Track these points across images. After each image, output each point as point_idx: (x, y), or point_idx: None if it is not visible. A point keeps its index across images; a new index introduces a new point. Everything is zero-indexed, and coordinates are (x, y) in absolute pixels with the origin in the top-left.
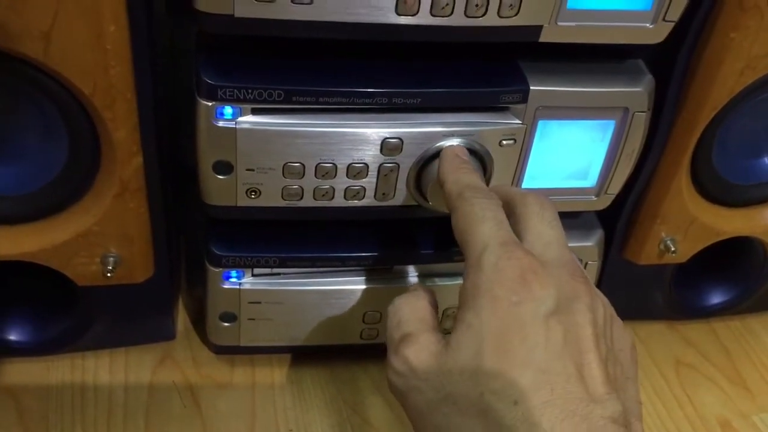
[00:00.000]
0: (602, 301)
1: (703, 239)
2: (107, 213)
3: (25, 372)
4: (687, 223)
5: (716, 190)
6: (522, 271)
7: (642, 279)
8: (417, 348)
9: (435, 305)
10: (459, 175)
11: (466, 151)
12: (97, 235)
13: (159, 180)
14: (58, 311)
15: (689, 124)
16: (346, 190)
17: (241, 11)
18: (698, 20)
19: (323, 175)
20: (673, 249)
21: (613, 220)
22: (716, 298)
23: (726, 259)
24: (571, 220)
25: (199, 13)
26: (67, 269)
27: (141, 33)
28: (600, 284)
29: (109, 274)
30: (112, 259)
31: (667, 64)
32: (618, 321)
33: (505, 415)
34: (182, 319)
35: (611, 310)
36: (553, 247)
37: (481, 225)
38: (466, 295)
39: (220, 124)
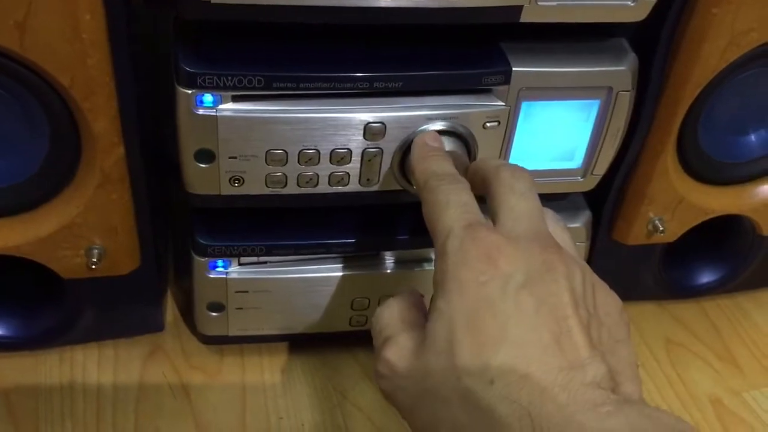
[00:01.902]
0: (581, 267)
1: (691, 218)
2: (89, 204)
3: (14, 367)
4: (675, 203)
5: (703, 169)
6: (487, 250)
7: (631, 259)
8: (396, 348)
9: (418, 304)
10: (426, 164)
11: (436, 136)
12: (80, 227)
13: (142, 170)
14: (44, 305)
15: (674, 103)
16: (330, 176)
17: None
18: None
19: (306, 162)
20: (661, 229)
21: (600, 200)
22: (706, 277)
23: (715, 238)
24: (559, 202)
25: None
26: (51, 262)
27: (118, 22)
28: (589, 265)
29: (93, 267)
30: (96, 251)
31: (651, 42)
32: (602, 285)
33: (483, 396)
34: (171, 310)
35: (592, 276)
36: (523, 221)
37: (445, 211)
38: (435, 283)
39: (201, 112)
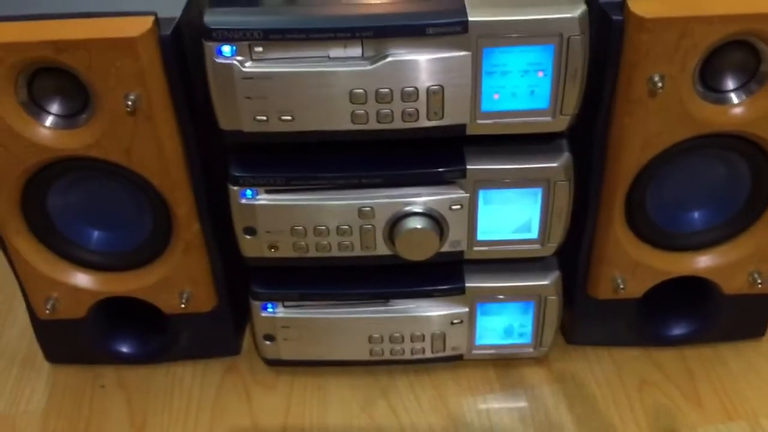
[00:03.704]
0: None
1: (651, 278)
2: (178, 264)
3: (135, 374)
4: (631, 266)
5: (657, 238)
6: None
7: (607, 311)
8: None
9: None
10: None
11: None
12: (174, 279)
13: (213, 239)
14: (155, 332)
15: (612, 189)
16: (339, 244)
17: (247, 127)
18: (603, 108)
19: (320, 235)
20: (622, 287)
21: (574, 262)
22: (680, 329)
23: (689, 293)
24: (533, 263)
25: (221, 130)
26: (156, 302)
27: (190, 144)
28: (574, 316)
29: (182, 306)
30: (185, 295)
31: (588, 142)
32: None
33: None
34: (249, 338)
35: None
36: None
37: None
38: None
39: (243, 201)
